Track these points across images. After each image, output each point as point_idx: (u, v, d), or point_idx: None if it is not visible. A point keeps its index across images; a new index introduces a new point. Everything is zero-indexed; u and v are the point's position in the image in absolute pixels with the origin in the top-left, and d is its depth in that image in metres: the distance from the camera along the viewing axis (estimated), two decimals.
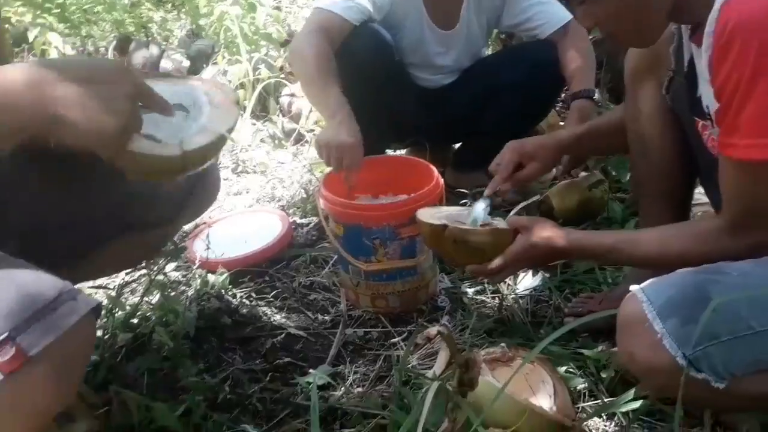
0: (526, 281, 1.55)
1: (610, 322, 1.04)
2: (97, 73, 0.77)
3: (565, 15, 1.82)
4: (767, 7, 0.84)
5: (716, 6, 0.88)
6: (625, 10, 0.96)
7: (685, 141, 1.19)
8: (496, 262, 1.15)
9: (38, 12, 2.99)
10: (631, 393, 1.07)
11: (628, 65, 1.26)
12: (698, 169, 1.21)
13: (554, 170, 1.98)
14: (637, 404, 1.06)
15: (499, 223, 1.24)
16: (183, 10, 3.45)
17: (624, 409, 1.07)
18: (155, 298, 1.48)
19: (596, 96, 1.72)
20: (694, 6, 0.94)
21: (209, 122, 0.91)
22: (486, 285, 1.55)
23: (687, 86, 1.10)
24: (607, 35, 1.05)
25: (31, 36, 2.79)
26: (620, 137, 1.32)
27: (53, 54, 2.80)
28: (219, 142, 0.92)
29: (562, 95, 2.12)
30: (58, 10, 3.20)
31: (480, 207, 1.27)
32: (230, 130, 0.93)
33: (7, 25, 2.98)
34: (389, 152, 2.19)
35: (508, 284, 1.54)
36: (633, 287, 0.95)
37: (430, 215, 1.25)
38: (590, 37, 1.89)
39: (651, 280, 0.96)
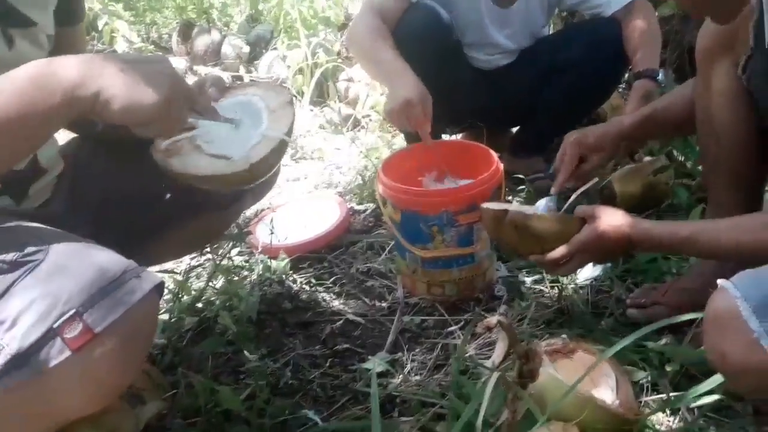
0: (587, 271, 1.51)
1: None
2: (141, 57, 0.85)
3: None
4: None
5: None
6: None
7: (759, 126, 1.13)
8: (561, 251, 1.10)
9: (107, 0, 3.10)
10: (699, 388, 1.04)
11: (701, 43, 1.19)
12: None
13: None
14: (706, 399, 1.02)
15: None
16: None
17: (692, 405, 1.04)
18: (219, 282, 1.53)
19: (660, 77, 1.65)
20: None
21: (269, 129, 0.95)
22: (544, 274, 1.52)
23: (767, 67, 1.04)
24: (686, 7, 1.00)
25: (100, 24, 2.89)
26: (684, 120, 1.27)
27: (120, 41, 2.90)
28: (281, 148, 0.96)
29: (626, 75, 2.05)
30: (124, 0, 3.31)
31: (544, 200, 1.23)
32: (289, 133, 0.97)
33: None
34: (445, 136, 2.18)
35: None
36: (722, 282, 0.88)
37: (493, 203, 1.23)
38: (656, 14, 1.81)
39: (741, 274, 0.89)
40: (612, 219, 1.07)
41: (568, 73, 1.78)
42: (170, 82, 0.80)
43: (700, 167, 1.67)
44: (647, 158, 1.76)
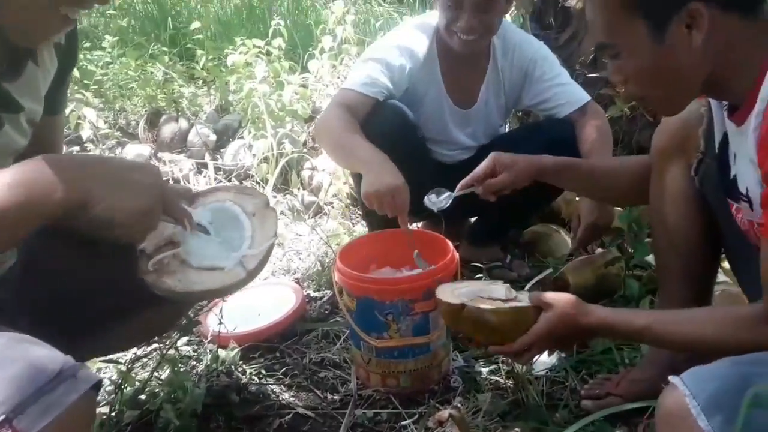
0: (542, 361, 1.50)
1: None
2: (130, 164, 0.87)
3: (583, 95, 1.85)
4: None
5: (766, 85, 0.86)
6: (658, 71, 0.94)
7: (710, 223, 1.17)
8: (519, 342, 1.10)
9: (76, 88, 3.15)
10: None
11: (656, 143, 1.24)
12: (727, 251, 1.19)
13: (570, 245, 1.97)
14: None
15: (521, 296, 1.20)
16: (213, 86, 3.59)
17: None
18: (165, 373, 1.47)
19: None
20: (734, 83, 0.92)
21: (255, 233, 0.98)
22: (501, 365, 1.51)
23: (718, 168, 1.08)
24: (635, 96, 1.03)
25: (67, 111, 2.92)
26: (602, 184, 1.37)
27: (87, 127, 2.92)
28: (271, 249, 0.98)
29: None
30: (96, 86, 3.36)
31: (503, 289, 1.22)
32: (276, 235, 0.99)
33: None
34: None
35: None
36: (673, 379, 0.88)
37: (450, 292, 1.22)
38: (606, 115, 1.92)
39: (691, 370, 0.89)
40: (568, 308, 1.07)
41: None
42: (154, 193, 0.82)
43: (649, 259, 1.71)
44: (599, 250, 1.80)
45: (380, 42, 1.88)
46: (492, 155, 1.40)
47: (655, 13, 0.91)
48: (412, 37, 1.81)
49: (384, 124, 1.70)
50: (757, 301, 0.91)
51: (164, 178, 0.91)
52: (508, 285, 1.24)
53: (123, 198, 0.81)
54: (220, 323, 1.56)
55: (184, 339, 1.65)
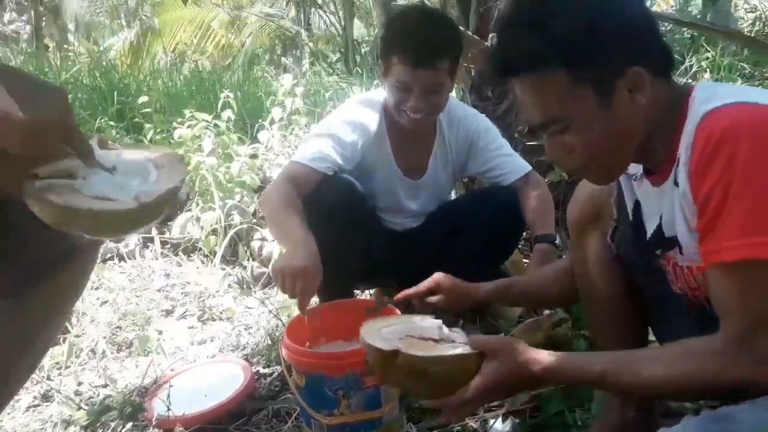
0: (497, 427, 1.49)
1: None
2: (36, 80, 0.84)
3: (525, 165, 1.94)
4: (751, 113, 0.88)
5: (691, 127, 0.91)
6: (606, 137, 0.97)
7: (634, 285, 1.22)
8: (462, 395, 1.01)
9: None
10: None
11: (571, 217, 1.30)
12: (648, 309, 1.23)
13: (519, 309, 2.00)
14: None
15: (455, 334, 1.14)
16: None
17: None
18: None
19: (557, 240, 1.79)
20: (657, 145, 0.98)
21: (159, 179, 0.93)
22: None
23: (633, 233, 1.14)
24: (573, 169, 1.04)
25: None
26: (537, 297, 1.49)
27: None
28: (173, 193, 0.92)
29: (524, 235, 2.19)
30: None
31: (436, 325, 1.16)
32: (181, 182, 0.94)
33: None
34: (357, 293, 2.20)
35: (478, 431, 1.49)
36: None
37: (376, 332, 1.11)
38: (546, 180, 2.00)
39: (684, 423, 0.90)
40: (515, 356, 1.00)
41: (472, 234, 1.88)
42: (51, 107, 0.78)
43: None
44: (546, 312, 1.83)
45: (330, 117, 1.92)
46: (435, 276, 1.51)
47: (601, 81, 0.94)
48: (361, 113, 1.86)
49: (332, 196, 1.72)
50: (713, 333, 0.90)
51: (71, 111, 0.86)
52: (440, 322, 1.18)
53: (9, 105, 0.76)
54: (168, 408, 1.50)
55: (128, 425, 1.58)
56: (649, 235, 1.08)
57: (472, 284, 1.50)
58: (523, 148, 2.35)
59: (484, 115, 2.04)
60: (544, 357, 1.00)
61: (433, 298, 1.48)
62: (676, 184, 0.95)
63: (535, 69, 0.96)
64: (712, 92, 0.94)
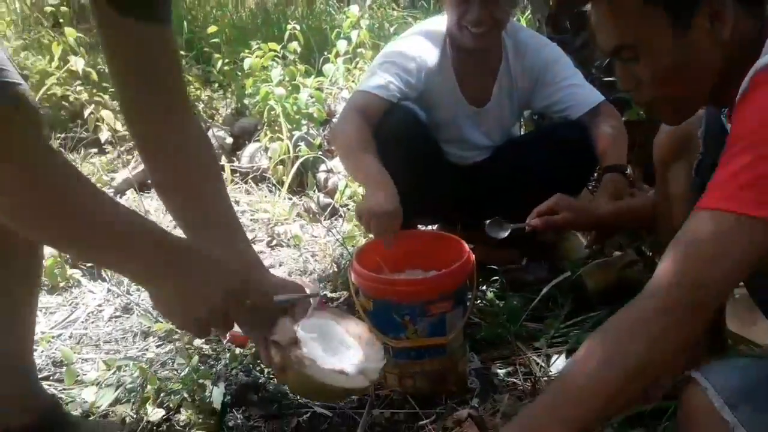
0: (559, 363, 1.50)
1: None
2: (198, 278, 0.87)
3: (596, 97, 1.85)
4: None
5: (749, 75, 0.84)
6: (679, 69, 0.91)
7: None
8: None
9: (95, 90, 3.18)
10: None
11: (656, 150, 1.26)
12: None
13: (585, 249, 1.97)
14: None
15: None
16: (229, 90, 3.62)
17: None
18: (185, 371, 1.48)
19: (629, 171, 1.72)
20: (733, 87, 0.90)
21: (367, 350, 1.02)
22: (518, 367, 1.51)
23: None
24: (644, 103, 1.00)
25: (85, 113, 2.96)
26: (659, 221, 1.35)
27: (104, 129, 2.95)
28: (382, 371, 1.03)
29: (595, 174, 2.12)
30: (113, 90, 3.40)
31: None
32: (384, 359, 1.03)
33: (64, 102, 3.18)
34: (421, 227, 2.21)
35: (541, 366, 1.50)
36: (694, 373, 0.87)
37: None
38: (624, 119, 1.91)
39: (709, 366, 0.88)
40: None
41: (539, 172, 1.84)
42: (208, 305, 0.86)
43: None
44: (617, 253, 1.79)
45: (392, 46, 1.89)
46: (554, 197, 1.55)
47: (679, 6, 0.88)
48: (423, 40, 1.84)
49: (396, 127, 1.71)
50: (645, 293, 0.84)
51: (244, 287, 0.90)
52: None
53: (172, 308, 0.87)
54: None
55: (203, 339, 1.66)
56: None
57: (592, 203, 1.51)
58: (600, 83, 2.25)
59: (559, 47, 1.95)
60: None
61: (554, 218, 1.52)
62: None
63: None
64: None
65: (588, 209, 1.50)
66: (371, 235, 1.53)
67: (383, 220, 1.47)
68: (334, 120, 2.72)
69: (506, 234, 1.60)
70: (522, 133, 2.22)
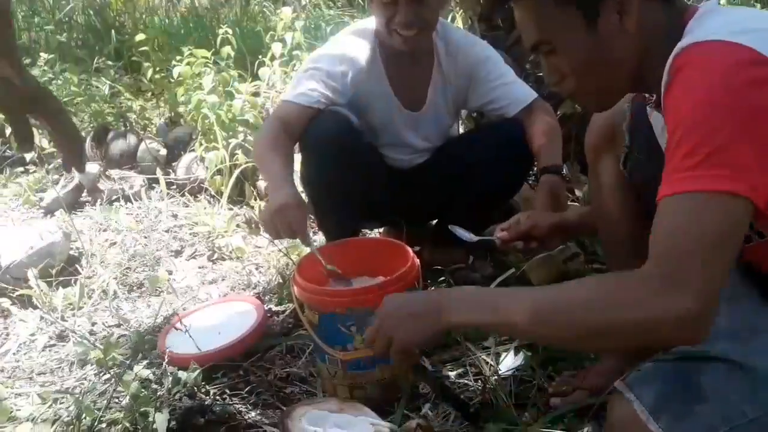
0: (508, 361, 1.51)
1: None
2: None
3: (529, 93, 1.86)
4: (725, 56, 0.82)
5: (669, 62, 0.87)
6: (594, 62, 0.95)
7: (648, 213, 1.20)
8: (370, 329, 1.05)
9: None
10: None
11: (588, 141, 1.28)
12: None
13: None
14: None
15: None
16: (162, 98, 3.51)
17: None
18: (125, 399, 1.42)
19: (564, 171, 1.74)
20: (653, 76, 0.93)
21: None
22: (468, 367, 1.51)
23: (648, 159, 1.11)
24: (569, 93, 1.04)
25: (7, 131, 2.81)
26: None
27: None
28: None
29: (534, 169, 2.15)
30: None
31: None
32: None
33: None
34: (367, 232, 2.19)
35: (491, 365, 1.50)
36: (618, 384, 0.90)
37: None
38: (557, 114, 1.94)
39: (634, 374, 0.91)
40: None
41: (479, 171, 1.84)
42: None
43: None
44: (559, 247, 1.81)
45: (321, 50, 1.85)
46: (530, 218, 1.47)
47: (586, 3, 0.92)
48: (352, 43, 1.79)
49: (329, 134, 1.67)
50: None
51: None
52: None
53: None
54: (190, 337, 1.51)
55: (143, 363, 1.60)
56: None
57: (560, 216, 1.48)
58: (535, 79, 2.28)
59: (488, 43, 1.95)
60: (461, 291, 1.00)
61: (533, 244, 1.46)
62: None
63: None
64: (699, 23, 0.89)
65: (563, 227, 1.46)
66: (282, 242, 1.49)
67: (282, 215, 1.43)
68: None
69: (475, 239, 1.58)
70: (461, 131, 2.23)
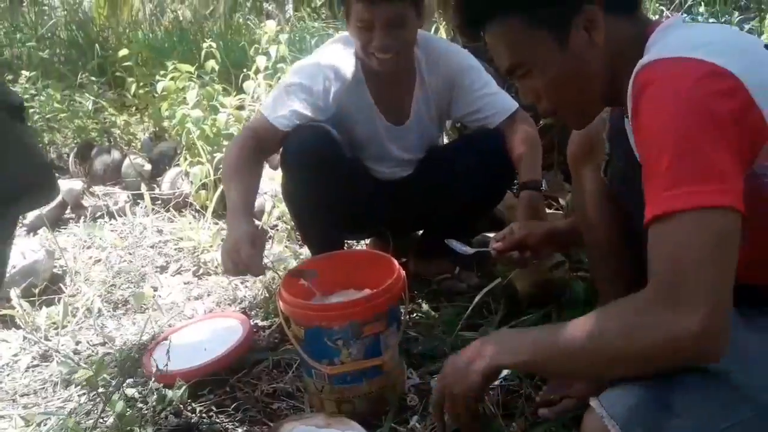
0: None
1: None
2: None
3: (511, 104, 1.87)
4: (685, 73, 0.84)
5: (633, 75, 0.90)
6: (567, 79, 0.98)
7: (628, 217, 1.21)
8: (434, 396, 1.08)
9: None
10: None
11: (569, 150, 1.30)
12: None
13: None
14: None
15: None
16: (146, 113, 3.50)
17: None
18: (110, 419, 1.40)
19: (543, 186, 1.76)
20: (624, 88, 0.95)
21: None
22: None
23: (627, 168, 1.12)
24: (546, 112, 1.06)
25: None
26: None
27: None
28: None
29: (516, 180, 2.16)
30: None
31: None
32: None
33: None
34: (353, 244, 2.19)
35: None
36: (591, 401, 0.91)
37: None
38: (539, 124, 1.95)
39: (607, 391, 0.91)
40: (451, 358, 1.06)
41: (462, 181, 1.85)
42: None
43: None
44: (554, 256, 1.82)
45: (303, 63, 1.83)
46: (522, 229, 1.47)
47: (555, 23, 0.96)
48: (336, 56, 1.78)
49: (305, 144, 1.66)
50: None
51: None
52: None
53: None
54: (162, 365, 1.50)
55: (129, 381, 1.58)
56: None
57: (552, 224, 1.50)
58: (515, 90, 2.29)
59: (469, 53, 1.96)
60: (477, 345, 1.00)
61: (527, 253, 1.47)
62: None
63: (494, 16, 0.98)
64: (662, 36, 0.93)
65: (555, 240, 1.46)
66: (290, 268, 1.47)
67: (240, 252, 1.37)
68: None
69: (471, 252, 1.58)
70: (444, 142, 2.23)
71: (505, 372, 1.49)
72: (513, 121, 1.83)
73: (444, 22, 3.05)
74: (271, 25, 3.33)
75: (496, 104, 1.85)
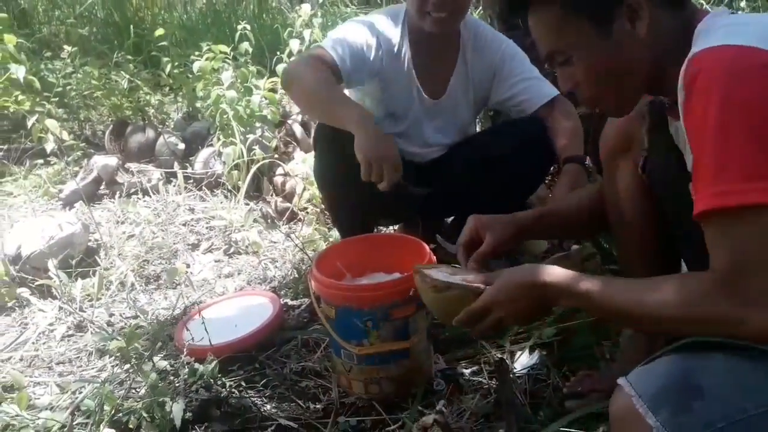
0: (523, 359, 1.51)
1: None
2: None
3: (551, 90, 1.86)
4: (735, 59, 0.84)
5: (683, 67, 0.88)
6: (608, 68, 0.97)
7: (666, 217, 1.19)
8: (474, 305, 1.07)
9: (37, 99, 3.06)
10: None
11: (603, 145, 1.27)
12: (680, 244, 1.20)
13: (545, 243, 1.98)
14: None
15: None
16: (180, 93, 3.53)
17: None
18: (143, 390, 1.43)
19: (588, 162, 1.74)
20: (668, 79, 0.94)
21: None
22: (483, 365, 1.51)
23: (668, 163, 1.10)
24: (586, 100, 1.05)
25: (29, 123, 2.84)
26: (578, 221, 1.36)
27: (50, 139, 2.84)
28: None
29: (552, 168, 2.14)
30: (57, 99, 3.28)
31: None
32: None
33: (5, 112, 3.05)
34: (383, 229, 2.20)
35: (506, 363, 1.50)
36: (620, 380, 0.90)
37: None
38: (577, 111, 1.93)
39: (635, 370, 0.91)
40: (519, 269, 1.07)
41: (497, 167, 1.84)
42: None
43: None
44: (575, 246, 1.81)
45: (351, 22, 1.87)
46: (471, 217, 1.35)
47: (598, 11, 0.95)
48: (382, 22, 1.82)
49: (339, 129, 1.63)
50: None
51: None
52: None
53: None
54: (206, 330, 1.52)
55: (161, 354, 1.62)
56: (689, 165, 1.04)
57: (507, 218, 1.37)
58: (553, 78, 2.27)
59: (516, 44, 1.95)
60: (543, 270, 1.04)
61: (480, 249, 1.31)
62: None
63: (537, 2, 0.98)
64: (711, 26, 0.91)
65: (506, 219, 1.35)
66: (311, 230, 1.48)
67: (386, 166, 1.48)
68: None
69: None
70: (479, 130, 2.22)
71: (533, 361, 1.49)
72: (553, 107, 1.83)
73: (480, 10, 3.02)
74: (306, 9, 3.33)
75: (537, 89, 1.85)
